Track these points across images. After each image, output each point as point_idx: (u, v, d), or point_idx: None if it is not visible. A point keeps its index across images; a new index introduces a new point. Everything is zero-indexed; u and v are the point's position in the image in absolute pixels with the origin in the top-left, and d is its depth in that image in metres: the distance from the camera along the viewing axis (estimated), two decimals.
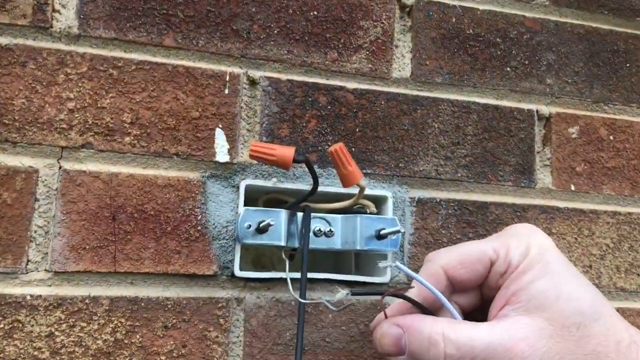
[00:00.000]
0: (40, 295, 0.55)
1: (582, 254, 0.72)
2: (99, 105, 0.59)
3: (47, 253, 0.56)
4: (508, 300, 0.49)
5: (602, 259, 0.72)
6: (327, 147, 0.65)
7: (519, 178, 0.71)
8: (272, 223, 0.58)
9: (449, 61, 0.70)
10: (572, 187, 0.72)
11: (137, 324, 0.57)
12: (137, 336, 0.57)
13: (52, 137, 0.57)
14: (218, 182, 0.61)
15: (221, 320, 0.59)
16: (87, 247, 0.57)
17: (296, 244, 0.61)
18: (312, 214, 0.62)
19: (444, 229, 0.67)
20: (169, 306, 0.58)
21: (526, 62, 0.73)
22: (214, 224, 0.60)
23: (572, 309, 0.48)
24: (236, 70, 0.63)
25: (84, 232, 0.57)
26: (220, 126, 0.62)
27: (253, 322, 0.60)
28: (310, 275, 0.61)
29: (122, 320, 0.57)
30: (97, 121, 0.59)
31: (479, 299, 0.55)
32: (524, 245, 0.51)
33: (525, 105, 0.72)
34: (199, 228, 0.60)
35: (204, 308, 0.59)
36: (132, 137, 0.59)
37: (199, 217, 0.60)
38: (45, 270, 0.56)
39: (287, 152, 0.58)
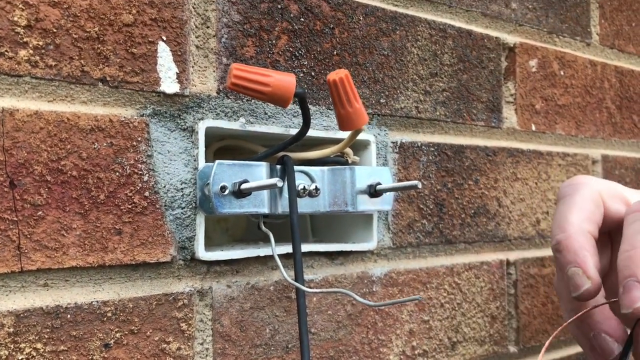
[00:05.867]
0: None
1: (542, 200, 0.66)
2: None
3: None
4: None
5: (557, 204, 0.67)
6: (301, 73, 0.48)
7: (489, 117, 0.61)
8: (257, 185, 0.41)
9: None
10: (533, 127, 0.65)
11: (62, 347, 0.36)
12: None
13: None
14: (163, 124, 0.41)
15: (183, 324, 0.41)
16: None
17: (279, 209, 0.44)
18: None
19: (425, 179, 0.55)
20: (109, 314, 0.38)
21: None
22: (165, 187, 0.41)
23: None
24: None
25: None
26: (164, 38, 0.41)
27: (225, 322, 0.43)
28: (281, 249, 0.45)
29: (39, 345, 0.36)
30: None
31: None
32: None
33: (493, 33, 0.62)
34: (147, 194, 0.40)
35: (158, 311, 0.40)
36: (31, 51, 0.36)
37: (145, 178, 0.40)
38: None
39: (286, 80, 0.40)
